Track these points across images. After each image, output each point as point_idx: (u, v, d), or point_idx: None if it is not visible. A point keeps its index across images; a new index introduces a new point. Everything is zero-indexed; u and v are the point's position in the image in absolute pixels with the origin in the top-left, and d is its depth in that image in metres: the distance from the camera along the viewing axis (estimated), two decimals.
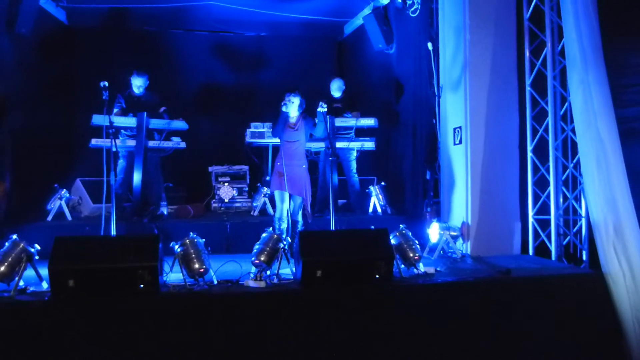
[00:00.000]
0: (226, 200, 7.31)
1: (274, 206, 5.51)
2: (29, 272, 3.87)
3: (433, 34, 6.26)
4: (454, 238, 5.31)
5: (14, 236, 3.91)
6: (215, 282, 4.03)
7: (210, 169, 7.58)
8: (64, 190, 6.22)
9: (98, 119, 5.75)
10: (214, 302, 3.73)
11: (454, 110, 5.65)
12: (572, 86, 4.61)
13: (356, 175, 6.85)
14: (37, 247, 3.95)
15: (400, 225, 4.62)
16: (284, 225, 5.08)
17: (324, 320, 3.76)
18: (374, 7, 7.45)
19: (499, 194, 5.39)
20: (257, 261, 4.12)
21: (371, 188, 6.89)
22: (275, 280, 4.07)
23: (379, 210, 6.77)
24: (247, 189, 7.47)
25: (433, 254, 5.23)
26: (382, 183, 6.93)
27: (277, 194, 5.13)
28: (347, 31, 9.06)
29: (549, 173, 5.24)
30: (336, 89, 6.88)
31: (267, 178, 6.92)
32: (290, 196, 5.14)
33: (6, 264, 3.75)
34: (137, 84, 6.27)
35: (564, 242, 5.17)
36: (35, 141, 6.51)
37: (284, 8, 8.07)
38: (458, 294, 4.11)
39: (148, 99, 6.36)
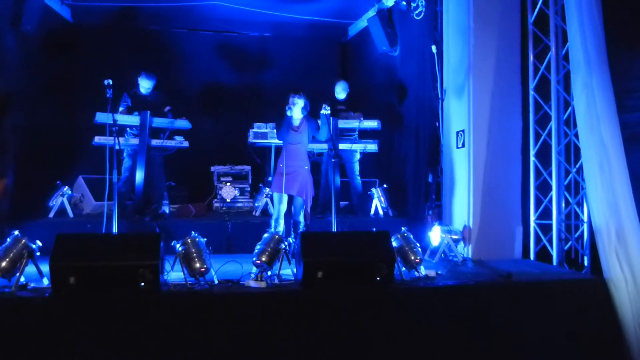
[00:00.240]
0: (228, 200, 7.32)
1: None
2: (30, 269, 3.88)
3: (437, 37, 6.26)
4: (456, 241, 5.30)
5: (16, 232, 3.92)
6: (216, 281, 4.03)
7: (212, 168, 7.58)
8: (66, 187, 6.24)
9: (101, 117, 5.76)
10: (215, 301, 3.72)
11: (457, 114, 5.65)
12: (576, 90, 4.60)
13: (359, 177, 6.85)
14: (39, 243, 3.96)
15: (402, 228, 4.61)
16: (280, 228, 5.08)
17: (325, 321, 3.75)
18: (378, 9, 7.46)
19: (501, 198, 5.39)
20: (258, 261, 4.12)
21: (373, 190, 6.89)
22: (276, 281, 4.07)
23: (381, 212, 6.77)
24: (249, 189, 7.48)
25: (434, 257, 5.23)
26: (384, 185, 6.93)
27: (276, 195, 5.13)
28: (351, 33, 9.07)
29: (551, 177, 5.23)
30: (340, 91, 6.88)
31: (269, 178, 6.92)
32: (293, 198, 5.14)
33: (7, 259, 3.76)
34: (145, 85, 6.29)
35: (566, 247, 5.16)
36: (38, 138, 6.52)
37: (288, 9, 8.08)
38: (459, 297, 4.10)
39: (154, 99, 6.37)
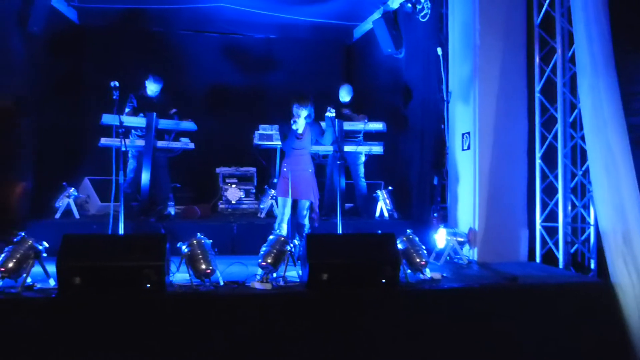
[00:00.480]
0: (233, 202, 7.33)
1: None
2: (37, 269, 3.89)
3: (442, 39, 6.25)
4: (461, 244, 5.29)
5: (23, 233, 3.94)
6: (222, 283, 4.03)
7: (217, 170, 7.60)
8: (72, 188, 6.26)
9: (108, 119, 5.78)
10: (220, 303, 3.73)
11: (463, 116, 5.64)
12: (582, 92, 4.58)
13: (364, 180, 6.84)
14: (45, 244, 3.96)
15: (407, 230, 4.61)
16: (284, 231, 5.06)
17: (330, 323, 3.75)
18: (383, 11, 7.46)
19: (507, 201, 5.37)
20: (263, 263, 4.12)
21: (378, 192, 6.88)
22: (282, 283, 4.07)
23: (386, 214, 6.76)
24: (254, 190, 7.49)
25: (439, 260, 5.21)
26: (390, 187, 6.92)
27: (280, 200, 5.11)
28: (357, 35, 9.07)
29: (557, 180, 5.21)
30: (345, 94, 6.89)
31: (275, 180, 6.93)
32: (297, 201, 5.13)
33: (14, 260, 3.76)
34: (152, 88, 6.31)
35: (572, 251, 5.13)
36: (44, 139, 6.54)
37: (294, 11, 8.09)
38: (464, 300, 4.09)
39: (160, 101, 6.39)
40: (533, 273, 4.79)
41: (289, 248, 4.23)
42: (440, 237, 5.30)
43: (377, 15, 7.67)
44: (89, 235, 4.75)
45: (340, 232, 4.82)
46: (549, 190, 5.33)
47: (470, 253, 5.38)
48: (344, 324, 3.76)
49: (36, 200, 6.06)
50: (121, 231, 4.69)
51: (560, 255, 5.12)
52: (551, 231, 5.26)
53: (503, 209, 5.34)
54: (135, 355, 3.49)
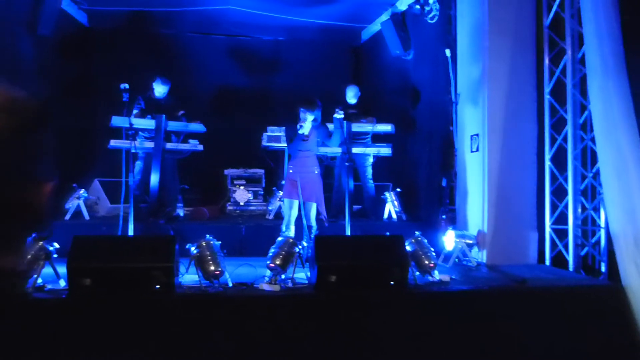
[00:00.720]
0: (241, 204, 7.34)
1: None
2: (47, 270, 3.92)
3: (451, 41, 6.24)
4: (470, 246, 5.27)
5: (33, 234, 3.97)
6: (230, 284, 4.04)
7: (226, 172, 7.62)
8: (82, 190, 6.30)
9: (117, 121, 5.80)
10: (229, 304, 3.74)
11: (472, 118, 5.62)
12: (592, 94, 4.55)
13: (372, 181, 6.83)
14: (56, 245, 3.99)
15: (416, 232, 4.60)
16: (291, 233, 5.06)
17: (338, 325, 3.75)
18: (391, 13, 7.45)
19: (516, 203, 5.34)
20: (272, 265, 4.12)
21: (386, 194, 6.87)
22: (290, 284, 4.07)
23: (394, 216, 6.74)
24: (262, 192, 7.50)
25: (448, 262, 5.19)
26: (398, 189, 6.91)
27: (286, 201, 5.12)
28: (365, 37, 9.07)
29: (567, 182, 5.18)
30: (352, 96, 6.89)
31: (283, 182, 6.93)
32: (304, 203, 5.13)
33: (25, 261, 3.80)
34: (160, 90, 6.34)
35: (582, 253, 5.09)
36: (55, 141, 6.59)
37: (301, 13, 8.10)
38: (473, 302, 4.07)
39: (168, 103, 6.42)
40: (543, 276, 4.76)
41: (297, 250, 4.24)
42: (449, 239, 5.28)
43: (385, 17, 7.67)
44: (99, 237, 4.79)
45: (349, 234, 4.82)
46: (559, 193, 5.29)
47: (479, 255, 5.35)
48: (352, 326, 3.76)
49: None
50: (131, 232, 4.71)
51: (570, 258, 5.08)
52: (561, 233, 5.23)
53: (512, 211, 5.32)
54: (144, 356, 3.50)
